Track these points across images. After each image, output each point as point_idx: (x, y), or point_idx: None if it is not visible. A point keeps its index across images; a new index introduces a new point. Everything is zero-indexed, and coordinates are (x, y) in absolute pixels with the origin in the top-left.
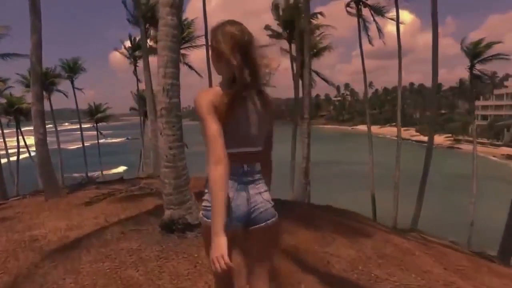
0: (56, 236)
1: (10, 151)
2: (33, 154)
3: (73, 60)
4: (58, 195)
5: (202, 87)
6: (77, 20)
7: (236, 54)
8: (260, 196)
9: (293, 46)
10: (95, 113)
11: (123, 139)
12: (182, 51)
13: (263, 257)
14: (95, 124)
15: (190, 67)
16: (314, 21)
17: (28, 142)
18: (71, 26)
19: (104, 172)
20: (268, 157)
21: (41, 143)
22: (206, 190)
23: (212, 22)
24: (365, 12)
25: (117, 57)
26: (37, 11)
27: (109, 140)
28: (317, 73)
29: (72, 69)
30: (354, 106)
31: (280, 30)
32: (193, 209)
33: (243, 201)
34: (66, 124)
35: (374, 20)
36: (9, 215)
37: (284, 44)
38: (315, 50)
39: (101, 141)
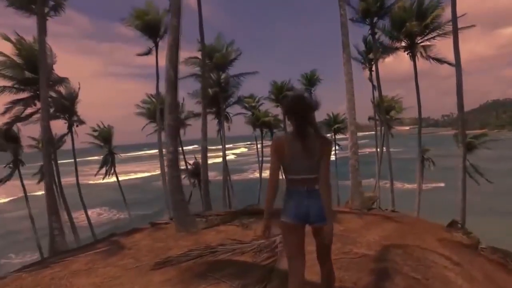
0: None
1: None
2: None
3: (312, 73)
4: (188, 229)
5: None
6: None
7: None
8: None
9: None
10: (333, 124)
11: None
12: (426, 43)
13: (321, 245)
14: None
15: (438, 60)
16: None
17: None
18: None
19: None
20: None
21: (171, 164)
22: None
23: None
24: None
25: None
26: (177, 10)
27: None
28: None
29: (310, 81)
30: None
31: None
32: None
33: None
34: None
35: None
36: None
37: None
38: None
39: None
